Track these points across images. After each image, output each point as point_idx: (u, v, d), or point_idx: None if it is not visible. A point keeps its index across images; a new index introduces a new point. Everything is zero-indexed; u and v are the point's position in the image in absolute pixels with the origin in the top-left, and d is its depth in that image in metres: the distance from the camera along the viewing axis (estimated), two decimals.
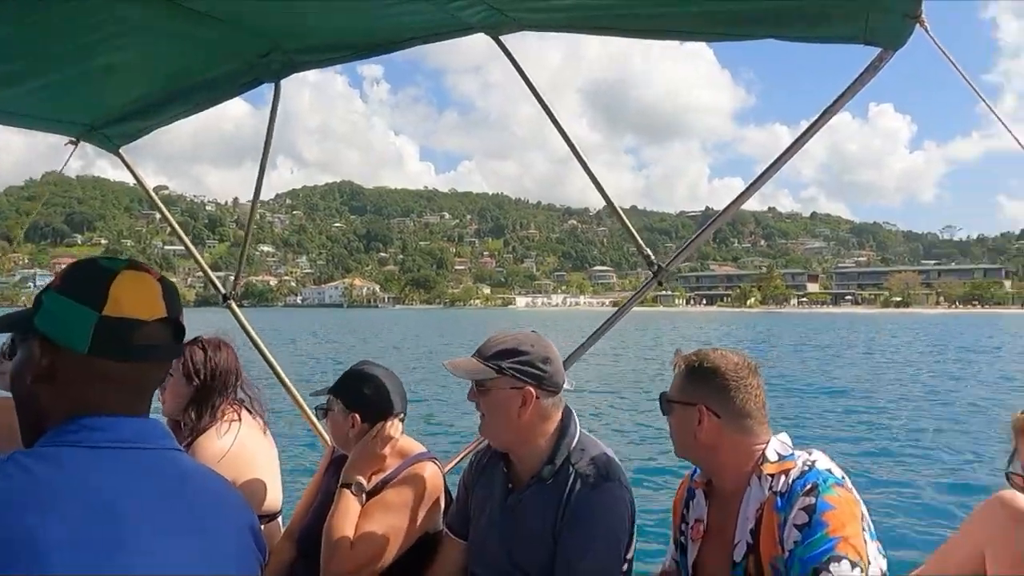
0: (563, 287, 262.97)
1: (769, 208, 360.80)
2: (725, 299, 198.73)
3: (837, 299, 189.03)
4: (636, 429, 13.67)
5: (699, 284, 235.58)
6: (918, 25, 1.89)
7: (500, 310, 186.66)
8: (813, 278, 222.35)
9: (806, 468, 1.74)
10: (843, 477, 1.74)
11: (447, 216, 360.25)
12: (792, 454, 1.81)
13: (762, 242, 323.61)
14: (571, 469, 1.98)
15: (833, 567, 1.53)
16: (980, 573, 1.86)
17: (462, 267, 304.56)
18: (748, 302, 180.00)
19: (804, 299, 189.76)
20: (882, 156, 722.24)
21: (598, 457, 2.01)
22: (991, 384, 21.57)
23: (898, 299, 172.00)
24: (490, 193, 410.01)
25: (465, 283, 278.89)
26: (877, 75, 2.20)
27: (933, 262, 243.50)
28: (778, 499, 1.72)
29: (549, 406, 2.02)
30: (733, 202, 2.68)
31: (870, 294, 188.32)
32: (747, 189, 2.58)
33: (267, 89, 3.00)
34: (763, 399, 1.86)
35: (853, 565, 1.54)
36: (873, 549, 1.66)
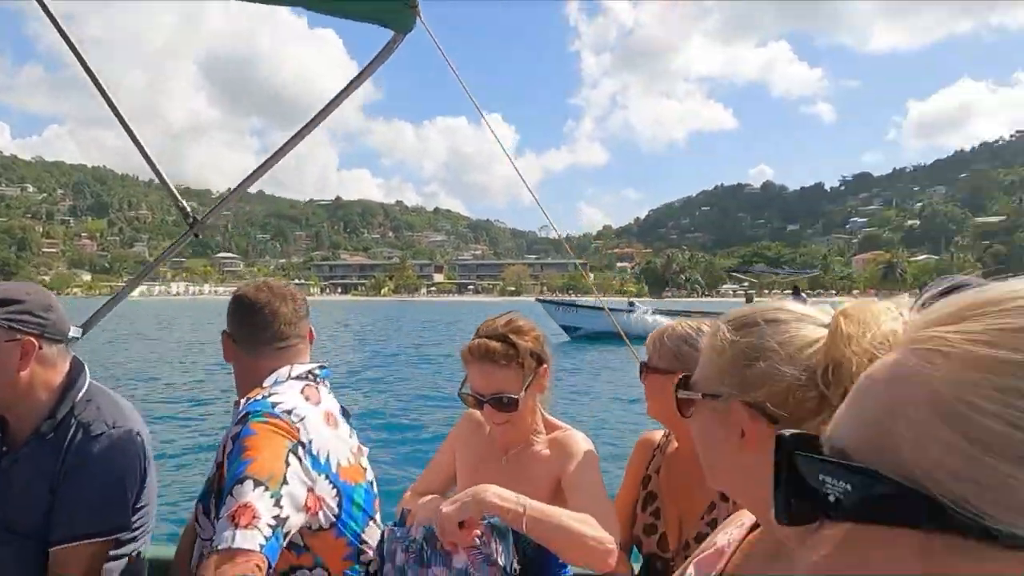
0: (184, 275, 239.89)
1: (397, 201, 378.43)
2: (359, 288, 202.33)
3: (461, 288, 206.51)
4: None
5: (333, 273, 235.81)
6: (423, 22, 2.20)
7: (107, 299, 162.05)
8: (439, 269, 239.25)
9: (256, 399, 1.73)
10: (292, 411, 1.70)
11: (31, 189, 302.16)
12: (283, 383, 1.81)
13: (391, 234, 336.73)
14: (73, 420, 1.88)
15: (235, 488, 1.52)
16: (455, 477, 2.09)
17: (53, 250, 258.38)
18: (382, 291, 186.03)
19: (433, 288, 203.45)
20: (491, 161, 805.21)
21: (107, 406, 1.92)
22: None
23: (512, 288, 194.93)
24: (89, 166, 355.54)
25: (58, 268, 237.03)
26: (392, 55, 2.47)
27: (534, 256, 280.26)
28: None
29: (55, 355, 1.91)
30: (266, 160, 2.84)
31: (489, 284, 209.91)
32: (273, 156, 2.80)
33: None
34: (280, 326, 1.88)
35: (257, 484, 1.52)
36: (315, 479, 1.67)
